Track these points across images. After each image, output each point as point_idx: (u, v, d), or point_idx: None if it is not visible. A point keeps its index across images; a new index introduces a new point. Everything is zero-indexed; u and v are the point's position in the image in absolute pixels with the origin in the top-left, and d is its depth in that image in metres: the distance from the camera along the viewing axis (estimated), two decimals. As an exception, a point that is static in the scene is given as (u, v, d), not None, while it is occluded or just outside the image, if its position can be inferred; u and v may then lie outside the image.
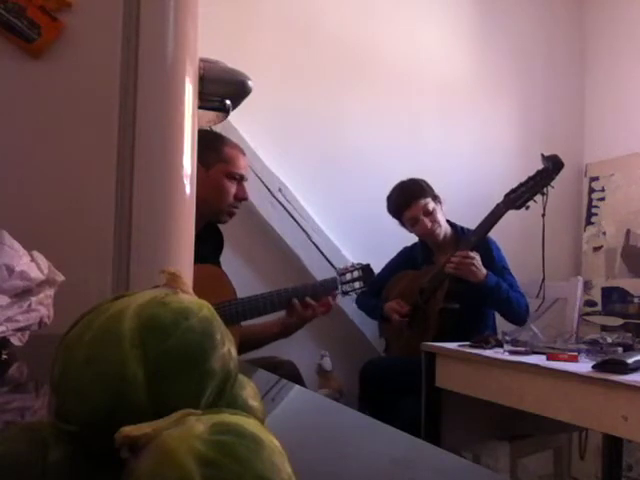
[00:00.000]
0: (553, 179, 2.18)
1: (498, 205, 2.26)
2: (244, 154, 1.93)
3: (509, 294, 2.29)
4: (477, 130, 3.13)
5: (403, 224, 2.48)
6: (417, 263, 2.53)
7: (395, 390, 2.26)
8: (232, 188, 1.86)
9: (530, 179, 2.21)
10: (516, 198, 2.22)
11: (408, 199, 2.39)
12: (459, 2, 3.14)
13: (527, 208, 2.21)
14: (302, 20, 2.77)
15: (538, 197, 2.20)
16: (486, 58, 3.17)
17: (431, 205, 2.39)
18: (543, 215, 2.18)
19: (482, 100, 3.15)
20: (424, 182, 2.44)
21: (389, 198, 2.47)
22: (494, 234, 2.40)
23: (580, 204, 3.32)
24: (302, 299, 1.94)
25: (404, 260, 2.59)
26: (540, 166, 2.23)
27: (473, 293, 2.27)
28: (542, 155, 2.20)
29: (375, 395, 2.35)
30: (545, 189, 2.18)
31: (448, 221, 2.49)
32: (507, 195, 2.25)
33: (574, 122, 3.38)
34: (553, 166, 2.17)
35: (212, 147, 1.85)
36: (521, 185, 2.23)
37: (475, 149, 3.10)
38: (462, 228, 2.49)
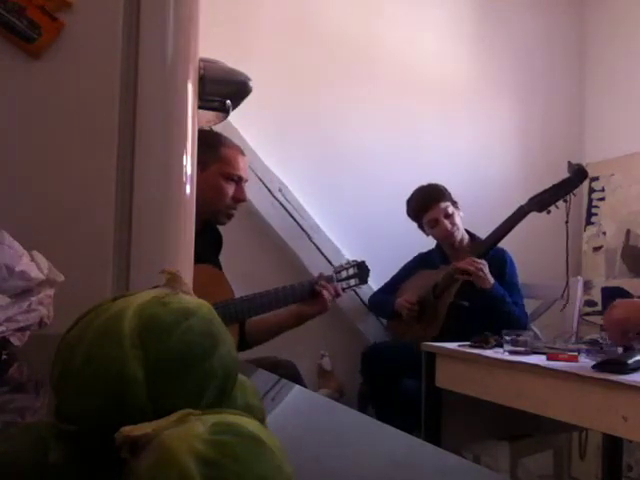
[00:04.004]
0: (577, 187, 2.24)
1: (521, 207, 2.30)
2: (243, 155, 1.89)
3: (512, 309, 2.34)
4: (477, 130, 3.13)
5: (422, 227, 2.53)
6: (434, 267, 2.55)
7: (396, 368, 2.30)
8: (229, 189, 1.82)
9: (554, 186, 2.26)
10: (540, 202, 2.27)
11: (429, 201, 2.45)
12: (459, 3, 3.14)
13: (549, 212, 2.25)
14: (302, 20, 2.77)
15: (560, 203, 2.24)
16: (486, 58, 3.17)
17: (451, 209, 2.45)
18: (566, 222, 2.20)
19: (482, 100, 3.15)
20: (443, 187, 2.50)
21: (409, 201, 2.52)
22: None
23: (580, 204, 3.32)
24: (300, 297, 1.94)
25: (420, 264, 2.62)
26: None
27: (483, 296, 2.30)
28: (569, 163, 2.26)
29: (376, 372, 2.39)
30: (568, 196, 2.22)
31: (466, 230, 2.53)
32: (531, 199, 2.30)
33: (574, 122, 3.38)
34: (578, 175, 2.23)
35: (209, 147, 1.82)
36: (545, 191, 2.28)
37: (475, 149, 3.10)
38: (479, 238, 2.52)
